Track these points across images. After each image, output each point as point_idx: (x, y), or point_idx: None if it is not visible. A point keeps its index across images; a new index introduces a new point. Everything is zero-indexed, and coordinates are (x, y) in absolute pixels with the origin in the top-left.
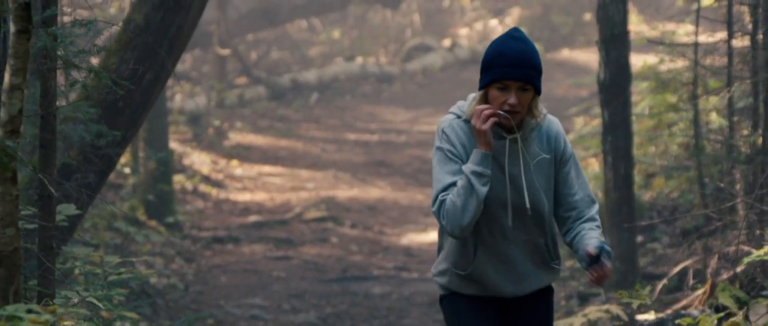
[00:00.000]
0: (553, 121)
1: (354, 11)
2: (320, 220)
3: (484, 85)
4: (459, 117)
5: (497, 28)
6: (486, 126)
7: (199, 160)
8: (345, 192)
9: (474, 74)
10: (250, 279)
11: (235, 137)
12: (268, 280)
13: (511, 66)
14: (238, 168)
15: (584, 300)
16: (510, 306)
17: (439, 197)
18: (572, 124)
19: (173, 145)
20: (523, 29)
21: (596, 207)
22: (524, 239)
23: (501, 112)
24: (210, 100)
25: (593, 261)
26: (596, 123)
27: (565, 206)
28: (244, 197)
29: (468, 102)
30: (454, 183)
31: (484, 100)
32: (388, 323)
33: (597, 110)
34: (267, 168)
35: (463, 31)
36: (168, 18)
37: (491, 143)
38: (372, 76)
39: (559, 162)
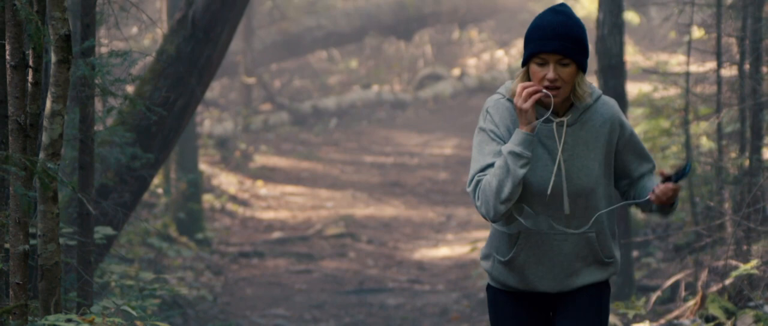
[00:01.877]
0: (607, 103)
1: (370, 43)
2: (339, 236)
3: (525, 61)
4: (505, 97)
5: (503, 58)
6: (527, 104)
7: (227, 181)
8: (362, 210)
9: (482, 101)
10: (274, 291)
11: (260, 159)
12: (291, 292)
13: (548, 38)
14: (262, 189)
15: None
16: (555, 302)
17: (476, 177)
18: None
19: (202, 166)
20: None
21: (654, 168)
22: (573, 229)
23: (543, 90)
24: (237, 125)
25: (666, 180)
26: None
27: (629, 178)
28: (268, 215)
29: (515, 80)
30: (492, 164)
31: (526, 77)
32: None
33: None
34: (290, 188)
35: (472, 62)
36: (198, 49)
37: (533, 122)
38: (387, 103)
39: (619, 143)
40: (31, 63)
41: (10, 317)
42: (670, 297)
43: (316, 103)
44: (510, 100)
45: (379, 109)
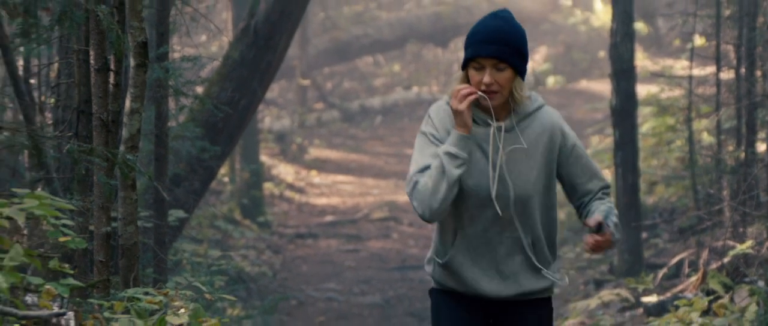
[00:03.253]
0: (549, 112)
1: (411, 49)
2: (383, 220)
3: (463, 65)
4: (447, 102)
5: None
6: (462, 106)
7: (285, 171)
8: (403, 197)
9: None
10: (326, 267)
11: (314, 152)
12: (341, 269)
13: (484, 43)
14: (316, 178)
15: (599, 285)
16: (496, 311)
17: (414, 178)
18: (589, 141)
19: (263, 158)
20: (548, 65)
21: (608, 187)
22: (508, 235)
23: (478, 93)
24: (293, 122)
25: (595, 230)
26: (609, 141)
27: (578, 194)
28: (321, 201)
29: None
30: (429, 166)
31: (465, 80)
32: (409, 307)
33: (609, 130)
34: (340, 178)
35: None
36: (259, 55)
37: (468, 124)
38: (425, 102)
39: (562, 153)
40: (112, 67)
41: (95, 290)
42: (675, 274)
43: (364, 103)
44: (449, 104)
45: (419, 107)
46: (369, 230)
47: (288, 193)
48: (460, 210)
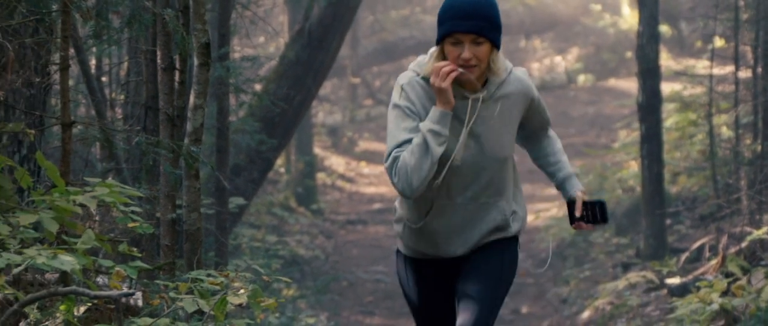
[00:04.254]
0: (518, 75)
1: None
2: None
3: (439, 40)
4: (419, 74)
5: (560, 62)
6: (445, 83)
7: (336, 162)
8: None
9: (545, 98)
10: (375, 251)
11: (363, 144)
12: (388, 253)
13: (461, 18)
14: (365, 168)
15: (626, 268)
16: (459, 261)
17: (393, 153)
18: (617, 135)
19: (316, 150)
20: (579, 64)
21: (549, 126)
22: (484, 200)
23: (460, 69)
24: (344, 117)
25: (586, 217)
26: (635, 135)
27: (534, 139)
28: (370, 190)
29: (428, 58)
30: (409, 140)
31: (441, 56)
32: None
33: (636, 125)
34: None
35: (535, 65)
36: (313, 55)
37: (451, 101)
38: None
39: (529, 110)
40: (177, 66)
41: (161, 272)
42: (697, 258)
43: None
44: (425, 79)
45: None
46: None
47: (339, 183)
48: (437, 180)
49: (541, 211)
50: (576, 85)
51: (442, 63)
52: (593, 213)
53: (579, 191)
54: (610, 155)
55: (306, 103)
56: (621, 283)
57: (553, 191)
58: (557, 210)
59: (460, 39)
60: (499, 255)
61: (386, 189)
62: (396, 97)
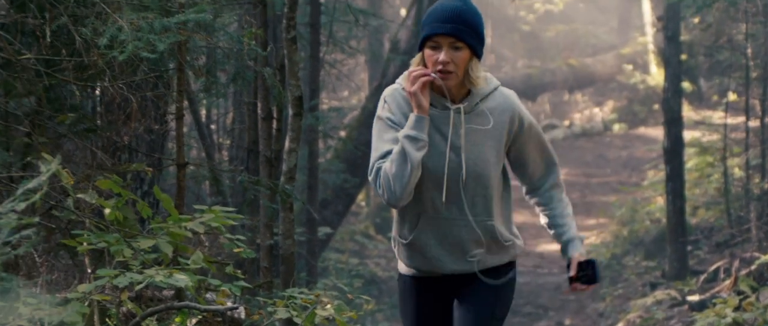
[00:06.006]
0: (506, 94)
1: None
2: None
3: (420, 46)
4: (401, 86)
5: (598, 113)
6: (415, 87)
7: None
8: None
9: (584, 143)
10: None
11: None
12: None
13: (441, 21)
14: None
15: (653, 287)
16: (458, 283)
17: (376, 165)
18: (646, 175)
19: None
20: (614, 115)
21: (557, 168)
22: (470, 214)
23: (432, 74)
24: None
25: (580, 278)
26: (661, 175)
27: (528, 171)
28: None
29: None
30: (391, 151)
31: (422, 62)
32: (528, 301)
33: (662, 166)
34: None
35: (577, 116)
36: None
37: (424, 106)
38: None
39: (518, 134)
40: (275, 115)
41: (260, 290)
42: (713, 278)
43: None
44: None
45: None
46: None
47: None
48: (422, 192)
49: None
50: (611, 133)
51: (415, 68)
52: (587, 274)
53: (576, 253)
54: (640, 192)
55: None
56: (649, 300)
57: (592, 221)
58: (595, 237)
59: (439, 42)
60: (493, 292)
61: None
62: (379, 110)
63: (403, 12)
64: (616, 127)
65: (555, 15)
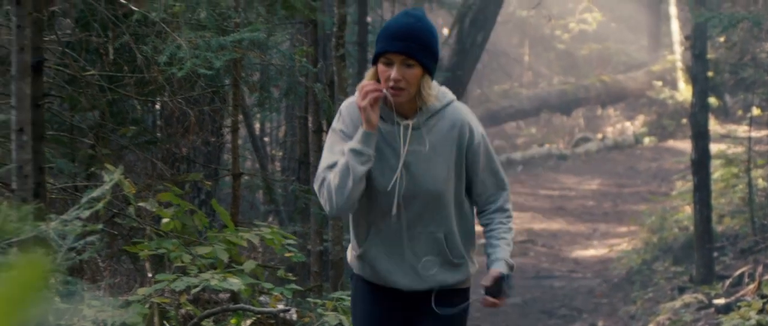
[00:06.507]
0: (459, 108)
1: (543, 116)
2: (523, 242)
3: (374, 60)
4: None
5: (630, 127)
6: (365, 102)
7: None
8: (538, 225)
9: (616, 155)
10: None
11: None
12: (522, 272)
13: (393, 39)
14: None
15: (682, 290)
16: (413, 302)
17: (321, 174)
18: (675, 185)
19: None
20: (644, 129)
21: (505, 193)
22: (420, 230)
23: (384, 91)
24: None
25: (491, 291)
26: (689, 185)
27: (475, 190)
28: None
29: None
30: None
31: (375, 76)
32: (563, 304)
33: (690, 177)
34: None
35: (609, 129)
36: None
37: (373, 121)
38: (554, 156)
39: (467, 149)
40: (324, 128)
41: (311, 293)
42: (738, 282)
43: (509, 156)
44: None
45: (550, 160)
46: (513, 250)
47: None
48: (371, 206)
49: (615, 245)
50: (642, 145)
51: (366, 82)
52: (498, 288)
53: (495, 269)
54: (669, 201)
55: None
56: (677, 303)
57: (623, 228)
58: (627, 244)
59: (391, 59)
60: (448, 320)
61: (519, 222)
62: (334, 121)
63: (445, 31)
64: (647, 140)
65: (588, 34)
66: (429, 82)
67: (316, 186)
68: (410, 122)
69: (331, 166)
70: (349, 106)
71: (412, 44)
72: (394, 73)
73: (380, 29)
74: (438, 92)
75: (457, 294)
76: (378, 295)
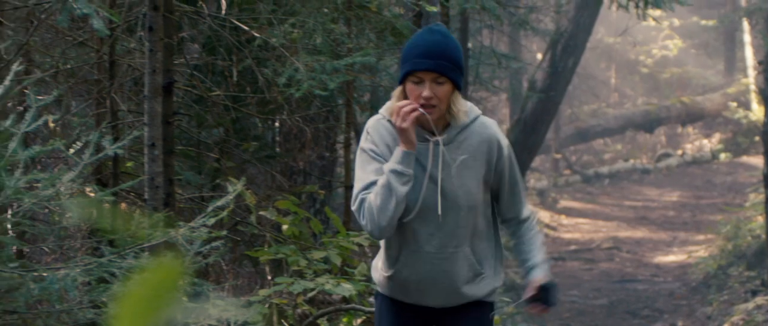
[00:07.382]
0: (486, 123)
1: (628, 134)
2: (609, 249)
3: (401, 79)
4: (384, 117)
5: (707, 144)
6: (406, 123)
7: (543, 215)
8: (623, 233)
9: (695, 170)
10: (570, 281)
11: (563, 203)
12: (581, 281)
13: (423, 56)
14: (564, 220)
15: (755, 293)
16: (440, 315)
17: (360, 196)
18: (748, 197)
19: (531, 207)
20: (720, 146)
21: (525, 207)
22: (453, 245)
23: (420, 109)
24: (549, 182)
25: (537, 299)
26: (761, 197)
27: (502, 201)
28: (567, 235)
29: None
30: (375, 182)
31: (403, 96)
32: (646, 305)
33: (762, 190)
34: (580, 220)
35: (689, 146)
36: (528, 137)
37: (413, 141)
38: (638, 171)
39: (497, 163)
40: None
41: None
42: None
43: (597, 170)
44: (390, 120)
45: (634, 174)
46: (599, 255)
47: (545, 230)
48: (403, 226)
49: (693, 252)
50: (718, 161)
51: (403, 102)
52: (544, 296)
53: (535, 276)
54: (743, 212)
55: (522, 172)
56: (750, 305)
57: (701, 237)
58: (704, 251)
59: (421, 77)
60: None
61: (579, 235)
62: (362, 141)
63: (539, 56)
64: (723, 156)
65: (670, 59)
66: (458, 97)
67: (354, 208)
68: (440, 138)
69: (368, 187)
70: (375, 124)
71: (442, 62)
72: (426, 91)
73: (405, 47)
74: (467, 107)
75: (485, 305)
76: (407, 314)
